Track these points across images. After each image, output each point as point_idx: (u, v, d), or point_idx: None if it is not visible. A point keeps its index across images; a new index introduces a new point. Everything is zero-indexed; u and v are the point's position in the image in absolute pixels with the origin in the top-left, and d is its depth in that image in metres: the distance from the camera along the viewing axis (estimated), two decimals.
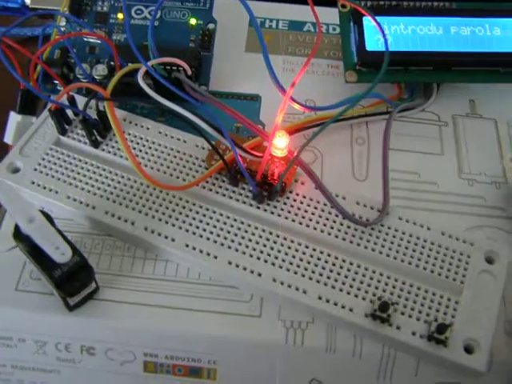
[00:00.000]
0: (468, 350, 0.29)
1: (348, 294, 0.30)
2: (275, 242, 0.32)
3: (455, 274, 0.31)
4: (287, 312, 0.31)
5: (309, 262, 0.31)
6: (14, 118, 0.38)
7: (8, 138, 0.38)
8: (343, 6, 0.39)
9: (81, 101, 0.35)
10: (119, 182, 0.34)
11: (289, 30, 0.43)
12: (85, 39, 0.40)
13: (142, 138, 0.35)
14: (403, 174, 0.36)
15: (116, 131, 0.33)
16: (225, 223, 0.32)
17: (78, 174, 0.34)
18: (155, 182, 0.32)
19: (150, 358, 0.31)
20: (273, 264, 0.31)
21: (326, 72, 0.41)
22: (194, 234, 0.32)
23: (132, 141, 0.35)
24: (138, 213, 0.33)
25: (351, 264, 0.31)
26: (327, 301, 0.30)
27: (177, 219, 0.32)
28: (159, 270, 0.32)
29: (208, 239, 0.32)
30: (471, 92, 0.40)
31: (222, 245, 0.32)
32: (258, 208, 0.33)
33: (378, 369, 0.30)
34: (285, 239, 0.32)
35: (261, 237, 0.32)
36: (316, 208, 0.33)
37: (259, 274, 0.31)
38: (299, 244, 0.32)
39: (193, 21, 0.41)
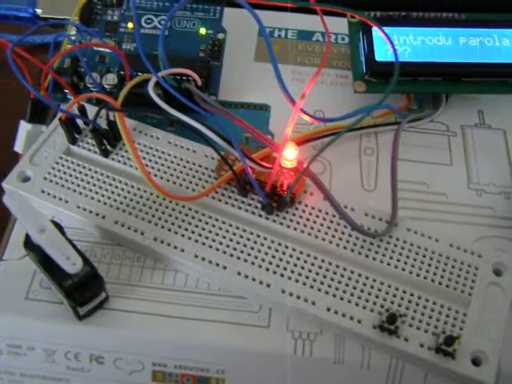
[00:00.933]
0: (476, 362, 0.29)
1: (356, 305, 0.31)
2: (284, 253, 0.32)
3: (463, 286, 0.31)
4: (296, 323, 0.31)
5: (317, 274, 0.31)
6: (24, 127, 0.38)
7: (18, 147, 0.38)
8: (352, 17, 0.39)
9: (91, 110, 0.36)
10: (129, 192, 0.34)
11: (298, 39, 0.43)
12: (95, 48, 0.40)
13: (151, 148, 0.36)
14: (412, 184, 0.36)
15: (126, 141, 0.33)
16: (234, 234, 0.32)
17: (88, 183, 0.34)
18: (165, 192, 0.32)
19: (159, 367, 0.31)
20: (281, 275, 0.31)
21: (335, 82, 0.41)
22: (204, 244, 0.32)
23: (142, 150, 0.35)
24: (148, 223, 0.33)
25: (359, 275, 0.31)
26: (335, 312, 0.30)
27: (186, 229, 0.33)
28: (168, 280, 0.32)
29: (217, 250, 0.32)
30: (480, 102, 0.40)
31: (231, 255, 0.32)
32: (267, 219, 0.33)
33: (386, 380, 0.30)
34: (294, 250, 0.32)
35: (270, 248, 0.32)
36: (325, 219, 0.33)
37: (268, 285, 0.31)
38: (308, 255, 0.32)
39: (203, 30, 0.41)
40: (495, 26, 0.39)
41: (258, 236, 0.32)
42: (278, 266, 0.32)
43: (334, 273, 0.31)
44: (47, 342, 0.31)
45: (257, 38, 0.43)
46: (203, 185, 0.34)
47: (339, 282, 0.31)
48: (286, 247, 0.32)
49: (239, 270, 0.31)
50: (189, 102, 0.34)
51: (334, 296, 0.31)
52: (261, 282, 0.31)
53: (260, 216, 0.33)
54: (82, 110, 0.35)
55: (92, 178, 0.34)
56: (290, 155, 0.32)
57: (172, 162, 0.35)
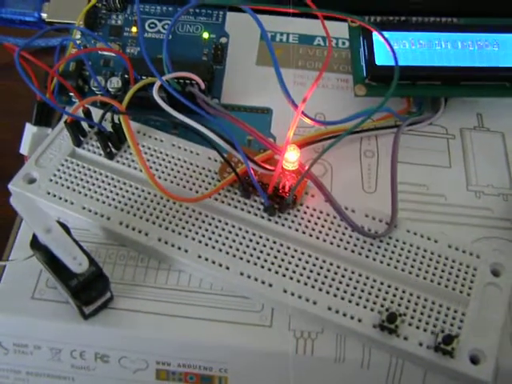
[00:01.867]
0: (474, 360, 0.30)
1: (357, 305, 0.31)
2: (286, 254, 0.32)
3: (462, 286, 0.32)
4: (297, 322, 0.32)
5: (318, 274, 0.32)
6: (30, 130, 0.39)
7: (24, 149, 0.39)
8: (353, 22, 0.40)
9: (96, 113, 0.36)
10: (133, 194, 0.34)
11: (299, 43, 0.43)
12: (100, 52, 0.41)
13: (155, 151, 0.36)
14: (411, 186, 0.37)
15: (131, 143, 0.33)
16: (237, 235, 0.33)
17: (93, 185, 0.35)
18: (169, 193, 0.33)
19: (163, 366, 0.32)
20: (283, 275, 0.32)
21: (336, 86, 0.42)
22: (207, 245, 0.33)
23: (146, 153, 0.36)
24: (152, 224, 0.33)
25: (360, 276, 0.32)
26: (336, 311, 0.31)
27: (190, 230, 0.33)
28: (172, 280, 0.33)
29: (220, 250, 0.33)
30: (479, 106, 0.41)
31: (234, 256, 0.32)
32: (270, 220, 0.34)
33: (386, 379, 0.31)
34: (295, 251, 0.32)
35: (272, 248, 0.33)
36: (326, 220, 0.34)
37: (270, 285, 0.32)
38: (309, 256, 0.32)
39: (205, 35, 0.41)
40: (493, 31, 0.40)
41: (261, 237, 0.33)
42: (279, 266, 0.32)
43: (335, 273, 0.32)
44: (53, 341, 0.32)
45: (259, 42, 0.43)
46: (206, 186, 0.35)
47: (340, 282, 0.32)
48: (288, 248, 0.33)
49: (242, 270, 0.32)
50: (192, 105, 0.34)
51: (335, 296, 0.31)
52: (263, 282, 0.32)
53: (262, 217, 0.34)
54: (87, 113, 0.36)
55: (97, 179, 0.35)
56: (291, 158, 0.33)
57: (176, 164, 0.36)
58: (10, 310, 0.32)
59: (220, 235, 0.33)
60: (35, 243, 0.30)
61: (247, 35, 0.42)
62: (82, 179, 0.35)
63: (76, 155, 0.36)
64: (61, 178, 0.35)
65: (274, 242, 0.33)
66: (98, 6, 0.42)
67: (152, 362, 0.32)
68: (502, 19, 0.41)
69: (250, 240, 0.33)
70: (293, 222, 0.34)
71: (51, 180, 0.35)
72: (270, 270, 0.32)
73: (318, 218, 0.34)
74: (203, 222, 0.33)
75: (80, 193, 0.35)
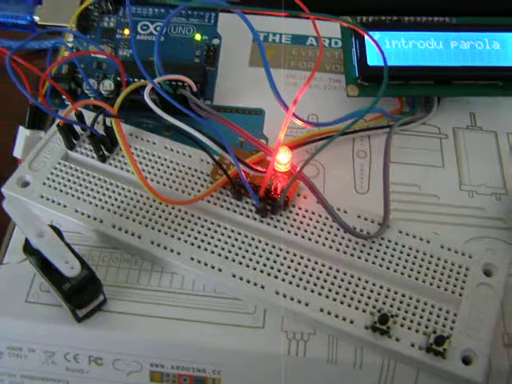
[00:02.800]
0: (466, 361, 0.30)
1: (349, 306, 0.31)
2: (278, 256, 0.32)
3: (454, 286, 0.32)
4: (290, 324, 0.32)
5: (311, 275, 0.32)
6: (23, 133, 0.39)
7: (17, 153, 0.39)
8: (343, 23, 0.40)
9: (88, 116, 0.36)
10: (126, 196, 0.34)
11: (292, 43, 0.43)
12: (92, 55, 0.41)
13: (148, 153, 0.36)
14: (404, 186, 0.37)
15: (123, 147, 0.33)
16: (229, 237, 0.33)
17: (86, 188, 0.35)
18: (161, 196, 0.33)
19: (156, 368, 0.32)
20: (276, 277, 0.32)
21: (328, 86, 0.42)
22: (199, 247, 0.33)
23: (138, 155, 0.36)
24: (145, 226, 0.33)
25: (352, 277, 0.32)
26: (328, 313, 0.31)
27: (182, 233, 0.33)
28: (165, 283, 0.33)
29: (213, 252, 0.33)
30: (471, 105, 0.41)
31: (227, 258, 0.32)
32: (262, 222, 0.34)
33: (379, 380, 0.31)
34: (287, 252, 0.33)
35: (264, 250, 0.33)
36: (318, 222, 0.34)
37: (262, 287, 0.32)
38: (301, 257, 0.32)
39: (198, 36, 0.42)
40: (486, 30, 0.40)
41: (253, 239, 0.33)
42: (272, 267, 0.32)
43: (327, 274, 0.32)
44: (47, 344, 0.32)
45: (251, 44, 0.43)
46: (199, 189, 0.35)
47: (332, 284, 0.32)
48: (280, 250, 0.33)
49: (234, 272, 0.32)
50: (184, 107, 0.34)
51: (327, 297, 0.31)
52: (255, 284, 0.32)
53: (254, 219, 0.34)
54: (80, 116, 0.36)
55: (90, 182, 0.35)
56: (283, 159, 0.33)
57: (168, 167, 0.36)
58: (3, 313, 0.32)
59: (212, 237, 0.33)
60: (28, 247, 0.30)
61: (240, 37, 0.42)
62: (74, 182, 0.35)
63: (69, 158, 0.36)
64: (54, 181, 0.35)
65: (267, 244, 0.33)
66: (90, 9, 0.43)
67: (146, 364, 0.32)
68: (495, 18, 0.41)
69: (243, 242, 0.33)
70: (285, 223, 0.34)
71: (44, 183, 0.35)
72: (262, 271, 0.32)
73: (310, 220, 0.34)
74: (196, 224, 0.33)
75: (73, 196, 0.35)
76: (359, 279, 0.32)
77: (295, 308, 0.31)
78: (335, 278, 0.32)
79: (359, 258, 0.33)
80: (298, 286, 0.32)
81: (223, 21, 0.43)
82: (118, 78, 0.38)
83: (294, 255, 0.33)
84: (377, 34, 0.38)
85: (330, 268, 0.32)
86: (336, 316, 0.31)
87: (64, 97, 0.39)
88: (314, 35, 0.44)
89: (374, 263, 0.32)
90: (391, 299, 0.31)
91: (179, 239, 0.33)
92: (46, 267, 0.30)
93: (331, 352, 0.31)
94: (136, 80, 0.37)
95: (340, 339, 0.31)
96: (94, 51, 0.39)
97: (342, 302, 0.31)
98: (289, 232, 0.33)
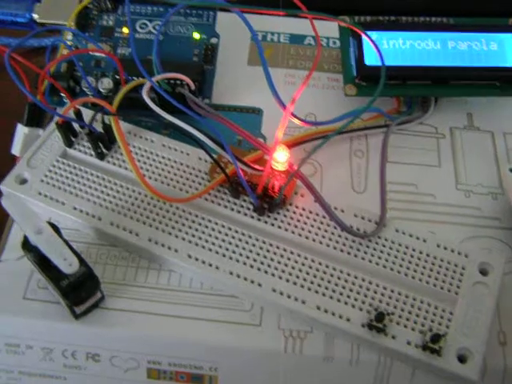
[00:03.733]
0: (461, 359, 0.30)
1: (345, 304, 0.31)
2: (275, 254, 0.33)
3: (450, 285, 0.32)
4: (287, 321, 0.32)
5: (307, 273, 0.32)
6: (21, 130, 0.39)
7: (15, 150, 0.39)
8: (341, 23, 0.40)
9: (87, 113, 0.36)
10: (124, 194, 0.35)
11: (290, 43, 0.44)
12: (91, 53, 0.41)
13: (146, 151, 0.36)
14: (401, 185, 0.37)
15: (121, 144, 0.33)
16: (226, 235, 0.33)
17: (84, 185, 0.35)
18: (159, 194, 0.33)
19: (154, 365, 0.32)
20: (273, 274, 0.32)
21: (326, 85, 0.42)
22: (197, 245, 0.33)
23: (137, 153, 0.36)
24: (143, 224, 0.33)
25: (349, 275, 0.32)
26: (325, 311, 0.31)
27: (180, 230, 0.33)
28: (163, 280, 0.33)
29: (210, 250, 0.33)
30: (468, 105, 0.41)
31: (224, 256, 0.33)
32: (259, 220, 0.34)
33: (375, 377, 0.31)
34: (284, 250, 0.33)
35: (261, 248, 0.33)
36: (315, 220, 0.34)
37: (259, 284, 0.32)
38: (298, 255, 0.33)
39: (196, 35, 0.42)
40: (483, 31, 0.40)
41: (250, 237, 0.33)
42: (269, 265, 0.32)
43: (324, 272, 0.32)
44: (45, 341, 0.32)
45: (250, 42, 0.43)
46: (196, 187, 0.35)
47: (329, 282, 0.32)
48: (277, 247, 0.33)
49: (231, 270, 0.32)
50: (182, 106, 0.34)
51: (324, 295, 0.31)
52: (252, 282, 0.32)
53: (252, 217, 0.34)
54: (78, 114, 0.36)
55: (88, 180, 0.35)
56: (280, 158, 0.33)
57: (166, 165, 0.36)
58: (1, 310, 0.32)
59: (210, 235, 0.33)
60: (26, 244, 0.30)
61: (238, 35, 0.42)
62: (73, 180, 0.35)
63: (67, 156, 0.36)
64: (52, 178, 0.35)
65: (264, 242, 0.33)
66: (89, 7, 0.43)
67: (143, 361, 0.32)
68: (492, 19, 0.41)
69: (240, 240, 0.33)
70: (282, 221, 0.34)
71: (42, 180, 0.35)
72: (259, 269, 0.32)
73: (308, 218, 0.34)
74: (193, 221, 0.34)
75: (71, 193, 0.35)
76: (356, 277, 0.32)
77: (292, 306, 0.31)
78: (332, 276, 0.32)
79: (356, 256, 0.33)
80: (294, 283, 0.32)
81: (222, 20, 0.43)
82: (117, 76, 0.38)
83: (291, 253, 0.33)
84: (374, 34, 0.38)
85: (327, 266, 0.32)
86: (333, 314, 0.31)
87: (63, 94, 0.39)
88: (312, 35, 0.44)
89: (370, 262, 0.33)
90: (387, 297, 0.31)
91: (177, 237, 0.33)
92: (44, 264, 0.30)
93: (328, 350, 0.31)
94: (135, 78, 0.37)
95: (336, 337, 0.31)
96: (93, 49, 0.40)
97: (338, 300, 0.31)
98: (286, 230, 0.33)
